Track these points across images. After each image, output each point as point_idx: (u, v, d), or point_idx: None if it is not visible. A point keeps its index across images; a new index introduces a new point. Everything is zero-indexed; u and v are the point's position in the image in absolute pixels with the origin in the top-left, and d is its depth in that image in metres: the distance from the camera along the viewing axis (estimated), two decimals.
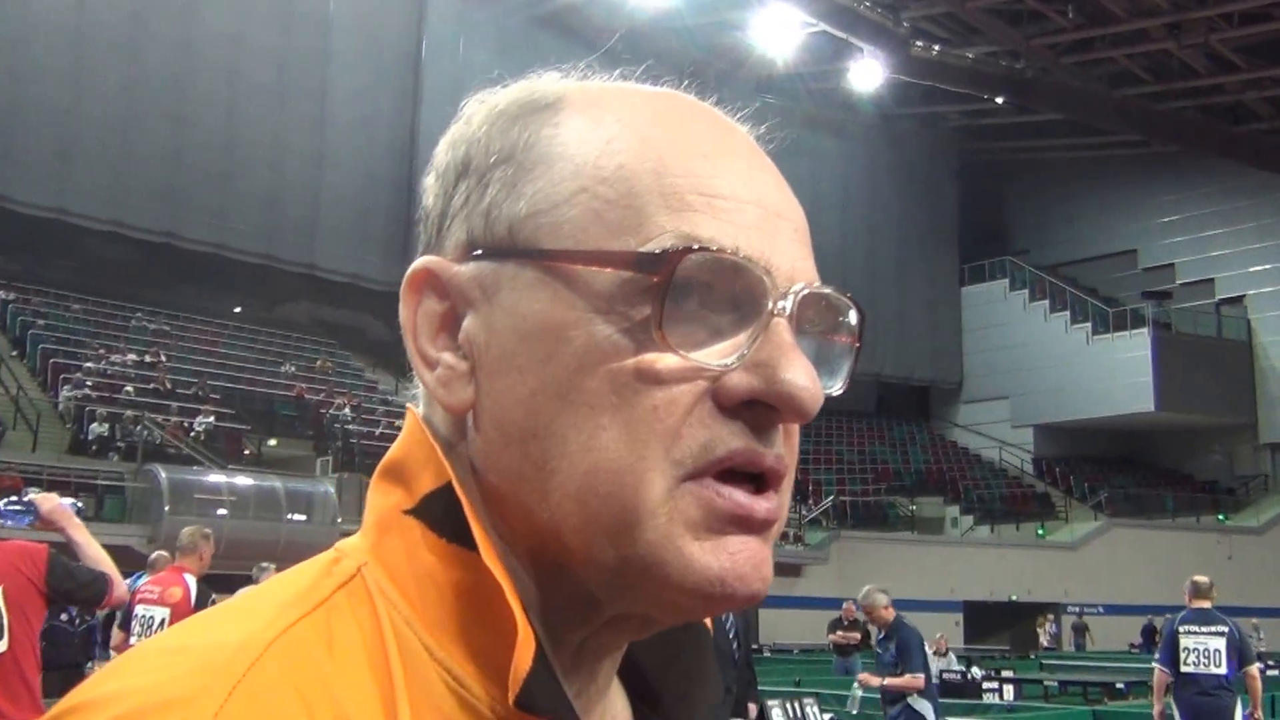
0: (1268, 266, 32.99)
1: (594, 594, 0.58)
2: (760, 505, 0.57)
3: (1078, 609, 26.46)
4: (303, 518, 19.26)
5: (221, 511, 18.32)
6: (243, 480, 19.64)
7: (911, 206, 34.15)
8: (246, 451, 22.10)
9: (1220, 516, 31.03)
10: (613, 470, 0.56)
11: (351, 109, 29.13)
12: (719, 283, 0.57)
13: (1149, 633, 21.80)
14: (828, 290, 0.60)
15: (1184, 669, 8.22)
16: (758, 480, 0.57)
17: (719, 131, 0.63)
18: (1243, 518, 30.61)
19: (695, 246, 0.56)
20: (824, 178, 31.92)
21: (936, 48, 25.60)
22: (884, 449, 34.13)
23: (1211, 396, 31.97)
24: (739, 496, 0.57)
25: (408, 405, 0.65)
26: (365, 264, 28.91)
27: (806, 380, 0.57)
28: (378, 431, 23.82)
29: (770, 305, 0.57)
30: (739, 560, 0.57)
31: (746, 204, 0.59)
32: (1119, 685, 16.30)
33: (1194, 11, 23.77)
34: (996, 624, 29.11)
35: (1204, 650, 8.14)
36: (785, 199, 0.62)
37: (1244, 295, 33.65)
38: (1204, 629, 8.21)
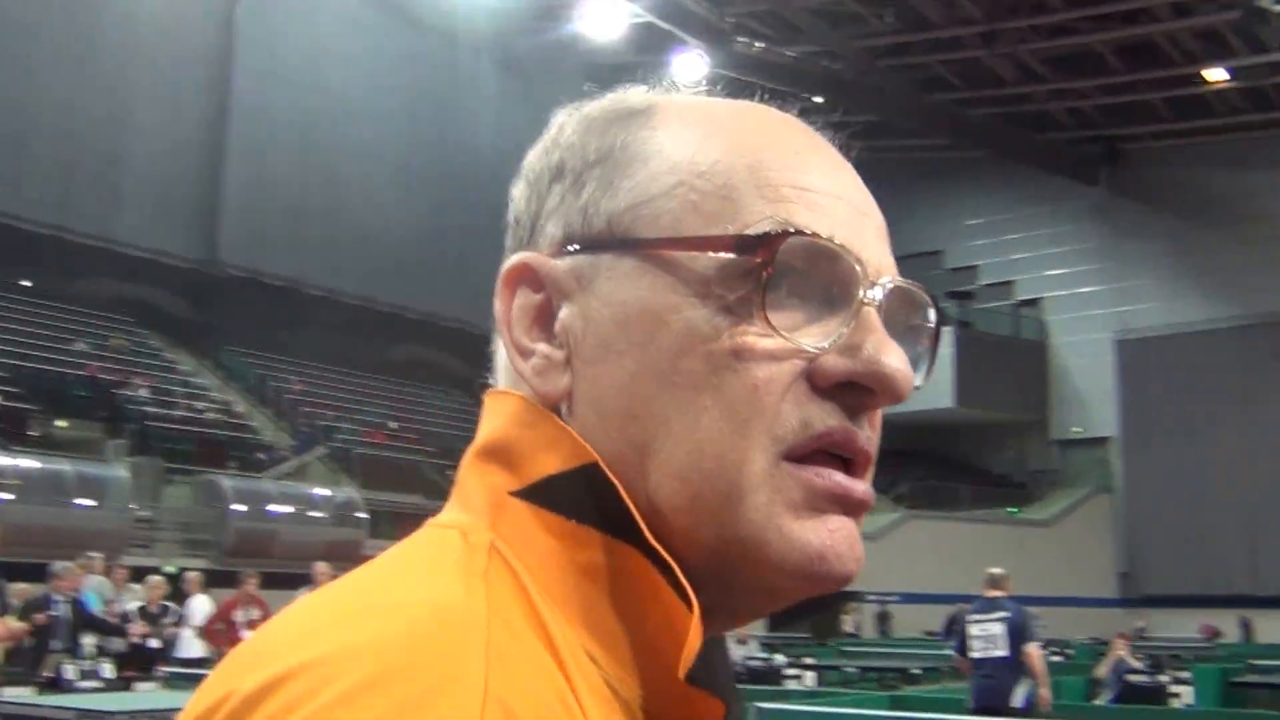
0: (1063, 271, 34.73)
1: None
2: (858, 486, 0.60)
3: (879, 598, 27.44)
4: (93, 503, 18.37)
5: (4, 496, 17.34)
6: (28, 463, 18.61)
7: None
8: (33, 433, 20.96)
9: (1012, 509, 32.65)
10: (716, 449, 0.58)
11: (157, 73, 27.83)
12: (813, 269, 0.60)
13: (950, 623, 22.77)
14: (914, 287, 0.63)
15: (973, 655, 8.76)
16: (846, 464, 0.60)
17: (805, 134, 0.67)
18: (1033, 511, 32.25)
19: (794, 230, 0.59)
20: None
21: (759, 45, 26.12)
22: None
23: (1007, 394, 33.48)
24: (838, 476, 0.60)
25: (494, 389, 0.67)
26: (168, 238, 27.72)
27: (900, 363, 0.60)
28: (176, 414, 22.93)
29: (861, 294, 0.60)
30: (838, 538, 0.59)
31: (836, 199, 0.62)
32: (915, 671, 16.96)
33: (1006, 22, 24.87)
34: (799, 612, 29.95)
35: (987, 636, 8.70)
36: (868, 198, 0.66)
37: (1041, 298, 35.42)
38: (987, 616, 8.77)
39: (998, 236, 35.96)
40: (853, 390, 0.59)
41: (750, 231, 0.59)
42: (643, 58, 27.32)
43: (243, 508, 20.13)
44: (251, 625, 10.79)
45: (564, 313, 0.63)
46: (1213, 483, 28.66)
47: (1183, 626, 25.02)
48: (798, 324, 0.59)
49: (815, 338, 0.59)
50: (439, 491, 25.02)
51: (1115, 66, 26.05)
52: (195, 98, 28.44)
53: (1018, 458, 35.47)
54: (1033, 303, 35.55)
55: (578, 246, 0.63)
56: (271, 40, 28.01)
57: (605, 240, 0.63)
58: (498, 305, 0.65)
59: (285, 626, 0.54)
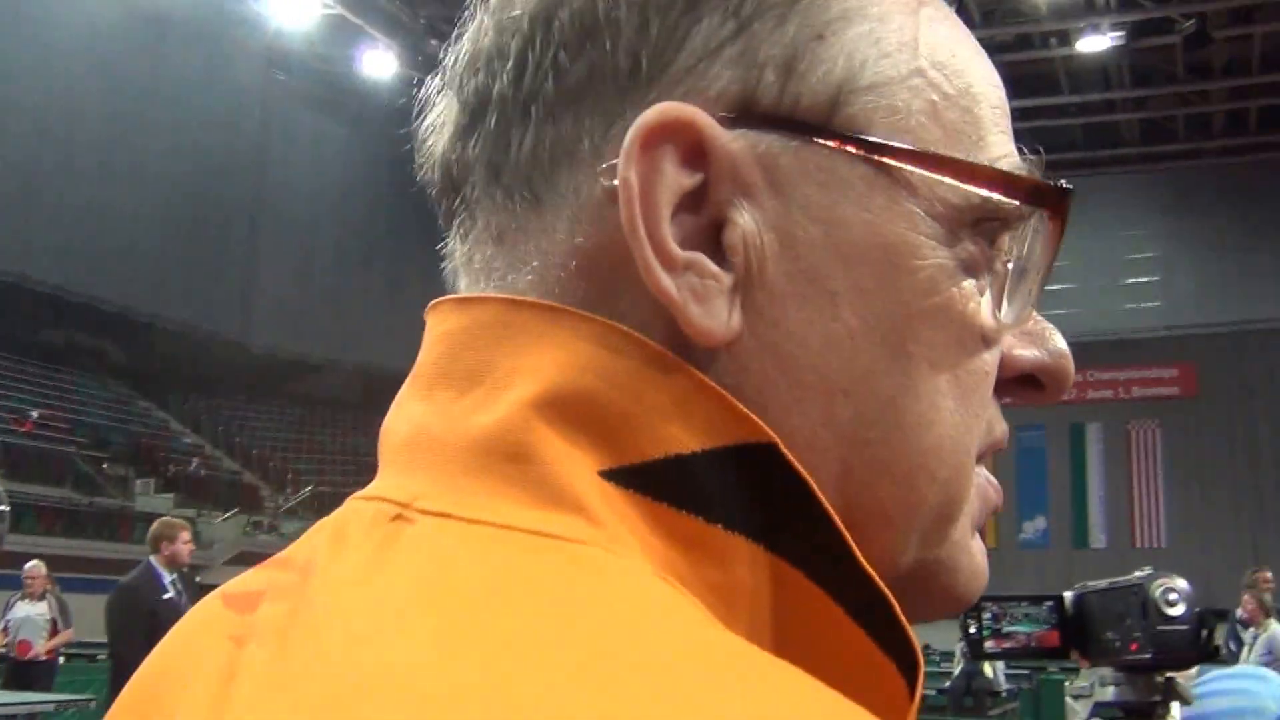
0: None
1: None
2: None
3: None
4: None
5: None
6: None
7: (412, 202, 34.39)
8: None
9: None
10: (954, 450, 0.45)
11: None
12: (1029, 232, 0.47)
13: None
14: None
15: None
16: None
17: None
18: None
19: (1065, 184, 0.46)
20: (326, 161, 31.59)
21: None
22: (367, 441, 33.97)
23: None
24: (996, 483, 0.49)
25: (519, 297, 0.44)
26: None
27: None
28: None
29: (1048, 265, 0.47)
30: (985, 560, 0.49)
31: None
32: None
33: None
34: None
35: None
36: None
37: None
38: None
39: None
40: (1017, 384, 0.49)
41: (1013, 170, 0.45)
42: (331, 50, 26.83)
43: None
44: None
45: (744, 217, 0.42)
46: None
47: None
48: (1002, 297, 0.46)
49: (1011, 317, 0.46)
50: (90, 485, 23.63)
51: None
52: None
53: None
54: None
55: (769, 121, 0.43)
56: None
57: (821, 124, 0.43)
58: (625, 170, 0.41)
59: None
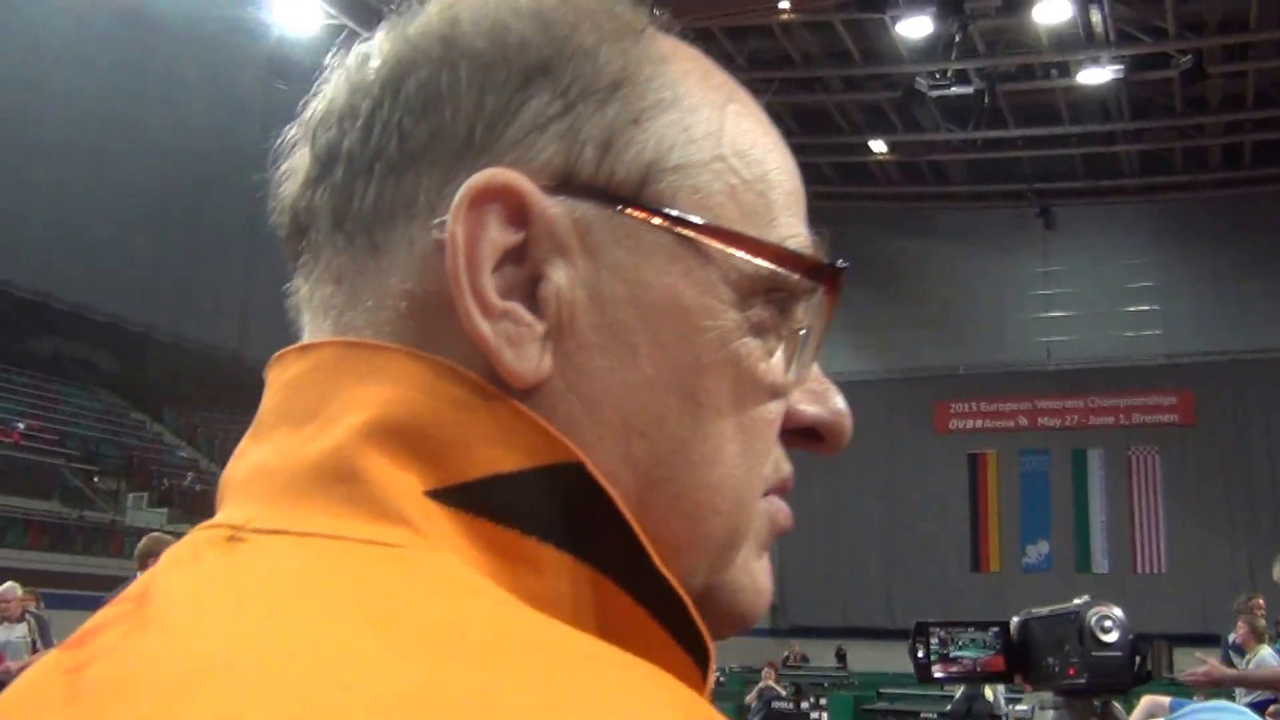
0: None
1: None
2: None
3: None
4: None
5: None
6: None
7: None
8: None
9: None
10: (735, 488, 0.50)
11: None
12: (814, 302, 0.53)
13: None
14: None
15: None
16: None
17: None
18: None
19: (841, 263, 0.52)
20: None
21: None
22: None
23: None
24: (787, 508, 0.54)
25: (358, 339, 0.49)
26: None
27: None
28: None
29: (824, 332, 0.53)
30: (769, 580, 0.54)
31: None
32: None
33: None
34: None
35: None
36: None
37: None
38: None
39: None
40: (801, 436, 0.54)
41: (798, 249, 0.51)
42: (335, 60, 27.03)
43: None
44: None
45: (558, 274, 0.47)
46: (855, 522, 30.88)
47: (827, 656, 26.96)
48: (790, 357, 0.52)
49: (793, 375, 0.52)
50: (79, 499, 23.51)
51: (791, 128, 27.99)
52: None
53: None
54: None
55: (589, 190, 0.48)
56: None
57: (631, 197, 0.48)
58: (454, 228, 0.46)
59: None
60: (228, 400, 31.83)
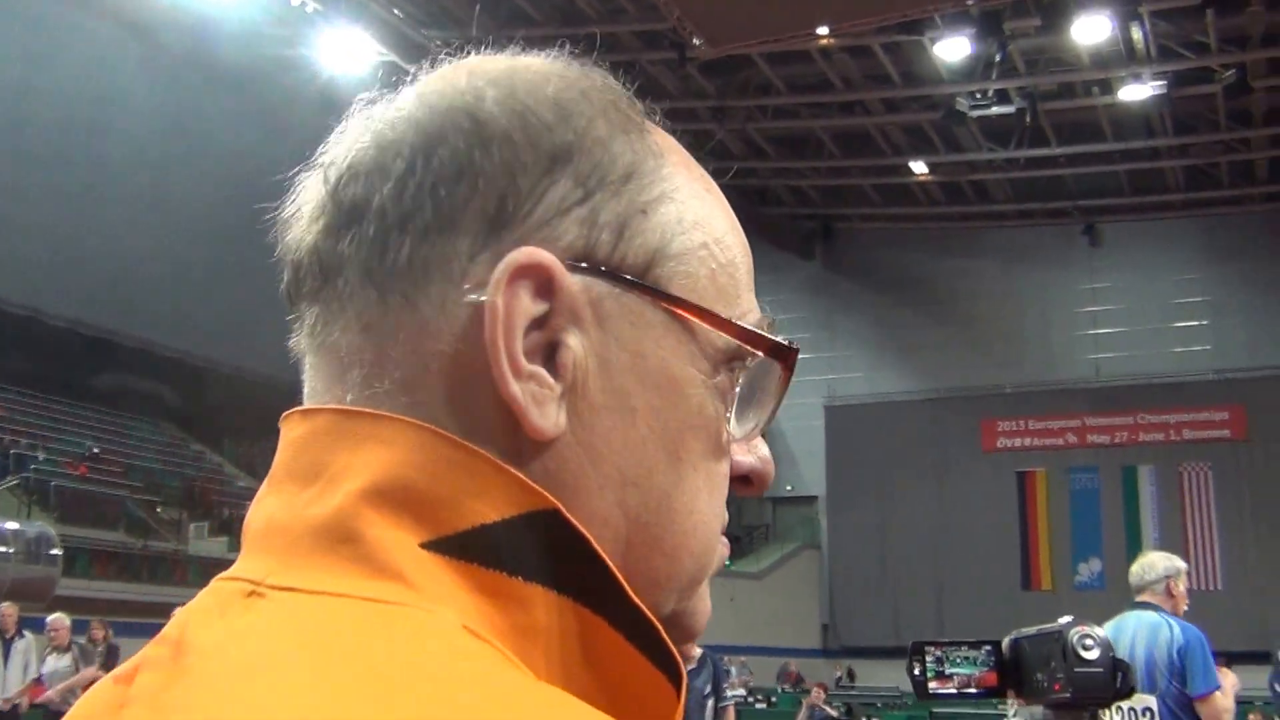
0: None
1: None
2: None
3: None
4: None
5: None
6: None
7: None
8: None
9: (726, 562, 33.77)
10: (707, 532, 0.58)
11: None
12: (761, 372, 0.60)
13: None
14: None
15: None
16: None
17: None
18: (746, 564, 33.70)
19: (794, 346, 0.60)
20: None
21: None
22: None
23: None
24: (727, 543, 0.63)
25: (349, 407, 0.55)
26: None
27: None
28: None
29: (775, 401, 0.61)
30: (709, 601, 0.62)
31: None
32: None
33: (736, 100, 26.34)
34: None
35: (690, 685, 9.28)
36: None
37: None
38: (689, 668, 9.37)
39: None
40: (738, 481, 0.62)
41: (755, 328, 0.59)
42: (356, 112, 27.43)
43: None
44: None
45: (574, 341, 0.54)
46: (905, 541, 30.76)
47: (879, 676, 26.74)
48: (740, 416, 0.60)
49: (740, 433, 0.60)
50: (143, 528, 23.93)
51: (832, 151, 28.06)
52: None
53: (734, 513, 36.36)
54: None
55: (603, 270, 0.55)
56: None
57: (638, 278, 0.56)
58: (494, 299, 0.52)
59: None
60: None
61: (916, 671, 1.92)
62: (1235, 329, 28.66)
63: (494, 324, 0.52)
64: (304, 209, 0.60)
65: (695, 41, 21.28)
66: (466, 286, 0.53)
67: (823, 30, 21.22)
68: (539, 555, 0.50)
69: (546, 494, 0.51)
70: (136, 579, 21.14)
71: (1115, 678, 1.80)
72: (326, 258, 0.57)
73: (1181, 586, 5.02)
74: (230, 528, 25.93)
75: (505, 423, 0.53)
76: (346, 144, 0.59)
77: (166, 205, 27.49)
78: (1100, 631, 1.82)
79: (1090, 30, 21.16)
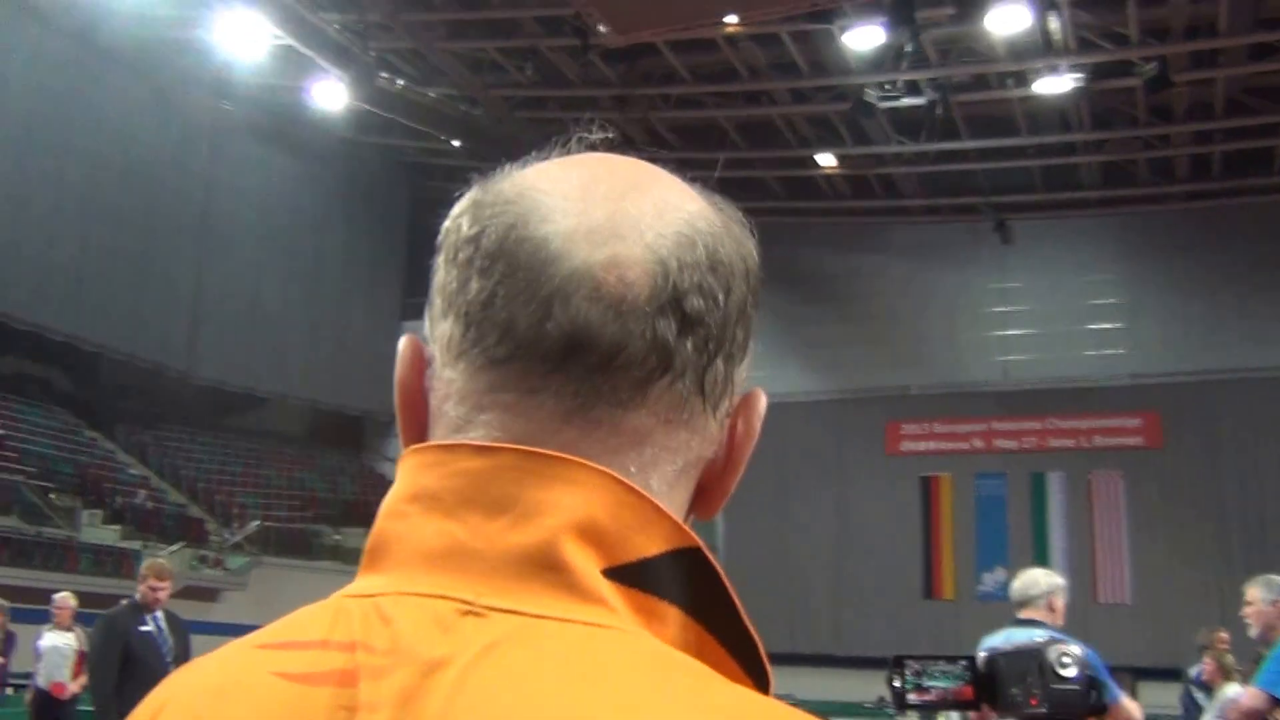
0: None
1: None
2: None
3: None
4: None
5: None
6: None
7: (361, 236, 34.38)
8: None
9: None
10: None
11: None
12: None
13: None
14: None
15: None
16: None
17: None
18: None
19: None
20: (275, 193, 31.58)
21: (401, 82, 26.42)
22: (313, 476, 33.98)
23: None
24: None
25: (561, 455, 0.66)
26: None
27: None
28: None
29: None
30: None
31: None
32: None
33: (638, 89, 26.40)
34: None
35: None
36: None
37: None
38: None
39: None
40: None
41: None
42: (282, 81, 26.95)
43: None
44: None
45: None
46: (804, 546, 30.59)
47: (777, 684, 26.86)
48: None
49: None
50: (37, 515, 23.55)
51: (736, 142, 28.19)
52: None
53: None
54: None
55: (736, 401, 0.75)
56: None
57: (731, 410, 0.75)
58: (752, 424, 0.75)
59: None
60: (178, 419, 31.72)
61: (897, 684, 2.03)
62: (1151, 332, 28.85)
63: (746, 443, 0.74)
64: (635, 289, 0.67)
65: (600, 29, 21.21)
66: (722, 410, 0.72)
67: (732, 19, 21.26)
68: (680, 583, 0.65)
69: (693, 534, 0.66)
70: (30, 565, 21.40)
71: (1089, 694, 1.93)
72: (669, 350, 0.68)
73: (1061, 602, 5.24)
74: (122, 516, 25.70)
75: (694, 500, 0.73)
76: (686, 242, 0.70)
77: (59, 188, 26.95)
78: (1078, 649, 1.95)
79: (1006, 20, 21.00)
